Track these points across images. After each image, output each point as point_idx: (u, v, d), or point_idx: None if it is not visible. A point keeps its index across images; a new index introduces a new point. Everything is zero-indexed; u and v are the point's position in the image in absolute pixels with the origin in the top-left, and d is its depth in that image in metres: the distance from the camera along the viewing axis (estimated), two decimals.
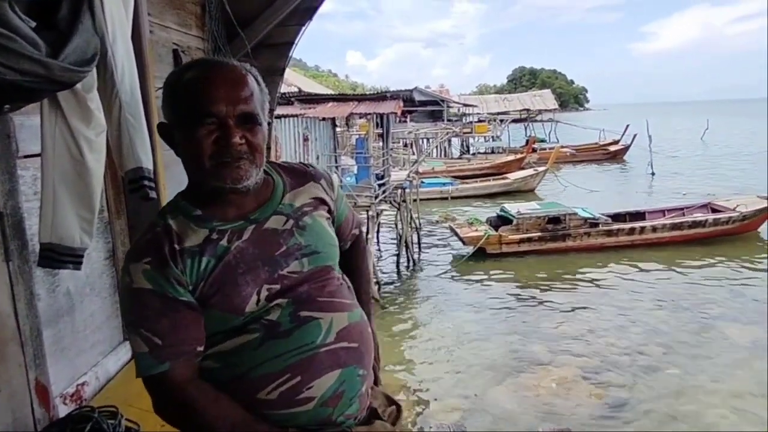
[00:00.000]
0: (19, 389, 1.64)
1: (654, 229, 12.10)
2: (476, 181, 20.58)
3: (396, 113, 11.65)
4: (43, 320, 1.79)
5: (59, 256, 1.62)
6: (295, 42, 3.06)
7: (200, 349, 1.12)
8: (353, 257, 1.45)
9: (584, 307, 9.05)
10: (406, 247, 11.75)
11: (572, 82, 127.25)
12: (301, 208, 1.24)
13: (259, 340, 1.12)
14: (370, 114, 11.98)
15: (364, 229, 1.55)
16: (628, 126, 28.85)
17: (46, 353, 1.77)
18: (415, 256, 12.13)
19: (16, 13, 1.24)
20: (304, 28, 3.04)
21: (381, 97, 12.56)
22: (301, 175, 1.31)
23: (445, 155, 29.06)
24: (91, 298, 2.17)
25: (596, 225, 11.97)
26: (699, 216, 12.42)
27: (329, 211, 1.32)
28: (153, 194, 1.74)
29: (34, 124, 1.76)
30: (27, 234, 1.72)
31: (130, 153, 1.66)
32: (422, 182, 16.80)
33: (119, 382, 2.21)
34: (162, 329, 1.08)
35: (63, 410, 1.90)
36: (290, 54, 3.12)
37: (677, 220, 12.27)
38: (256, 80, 1.18)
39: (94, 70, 1.52)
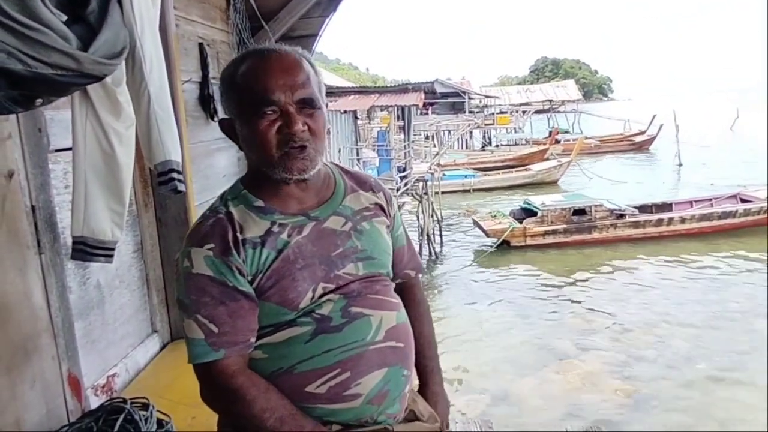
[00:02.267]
0: (52, 381, 1.66)
1: (682, 220, 11.86)
2: (498, 173, 20.39)
3: (418, 105, 11.60)
4: (75, 312, 1.82)
5: (91, 249, 1.64)
6: (320, 34, 3.05)
7: (253, 340, 1.12)
8: (408, 309, 1.33)
9: (610, 301, 8.92)
10: (428, 239, 11.71)
11: (596, 72, 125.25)
12: (360, 212, 1.24)
13: (310, 333, 1.12)
14: (391, 106, 11.94)
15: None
16: (654, 116, 28.31)
17: (78, 345, 1.80)
18: (437, 248, 12.08)
19: (47, 6, 1.24)
20: (328, 19, 3.03)
21: (402, 89, 12.51)
22: (362, 181, 1.31)
23: (466, 147, 28.88)
24: (121, 291, 2.19)
25: (623, 216, 11.77)
26: (728, 206, 12.13)
27: (388, 221, 1.30)
28: (182, 187, 1.74)
29: (65, 118, 1.78)
30: (58, 227, 1.74)
31: (159, 146, 1.66)
32: (444, 174, 16.71)
33: (148, 374, 2.23)
34: (220, 317, 1.07)
35: (94, 401, 1.92)
36: (314, 46, 3.11)
37: (706, 211, 12.00)
38: (310, 63, 1.16)
39: (123, 63, 1.52)
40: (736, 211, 11.88)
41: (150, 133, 1.65)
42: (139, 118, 1.64)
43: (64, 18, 1.31)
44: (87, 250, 1.65)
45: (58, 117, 1.78)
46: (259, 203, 1.15)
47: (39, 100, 1.31)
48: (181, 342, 2.41)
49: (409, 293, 1.37)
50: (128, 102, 1.63)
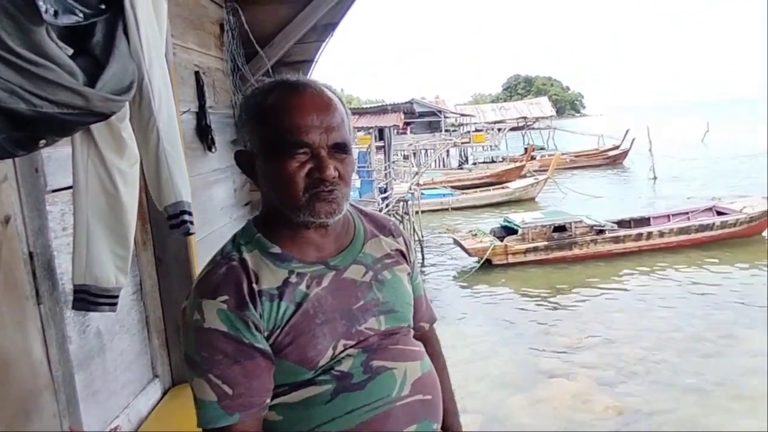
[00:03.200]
0: None
1: (661, 233, 12.04)
2: (476, 191, 20.53)
3: (398, 125, 11.62)
4: (75, 364, 1.68)
5: (94, 298, 1.52)
6: (316, 59, 2.99)
7: (269, 401, 1.03)
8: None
9: (595, 316, 8.94)
10: None
11: (568, 88, 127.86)
12: (381, 259, 1.16)
13: (331, 393, 1.03)
14: (371, 127, 11.93)
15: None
16: (627, 131, 28.88)
17: (79, 399, 1.67)
18: (419, 266, 12.01)
19: (52, 39, 1.15)
20: (324, 44, 2.97)
21: (382, 110, 12.56)
22: (382, 225, 1.23)
23: (444, 166, 29.08)
24: (121, 336, 2.06)
25: (602, 232, 11.89)
26: (705, 219, 12.36)
27: (409, 267, 1.23)
28: (194, 229, 1.63)
29: (62, 156, 1.66)
30: (57, 273, 1.61)
31: (169, 186, 1.55)
32: (422, 194, 16.75)
33: (151, 423, 2.09)
34: (234, 377, 0.98)
35: None
36: (311, 71, 3.04)
37: (684, 224, 12.20)
38: (342, 103, 1.09)
39: None
40: (713, 223, 12.10)
41: (159, 172, 1.54)
42: (147, 157, 1.54)
43: (70, 51, 1.22)
44: (89, 299, 1.52)
45: (56, 155, 1.67)
46: (276, 249, 1.06)
47: (43, 142, 1.21)
48: (183, 387, 2.28)
49: (425, 347, 1.27)
50: (132, 139, 1.53)
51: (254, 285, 1.01)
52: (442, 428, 1.23)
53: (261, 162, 1.06)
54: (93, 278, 1.50)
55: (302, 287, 1.04)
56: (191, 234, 1.64)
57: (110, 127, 1.47)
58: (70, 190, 1.61)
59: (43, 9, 1.08)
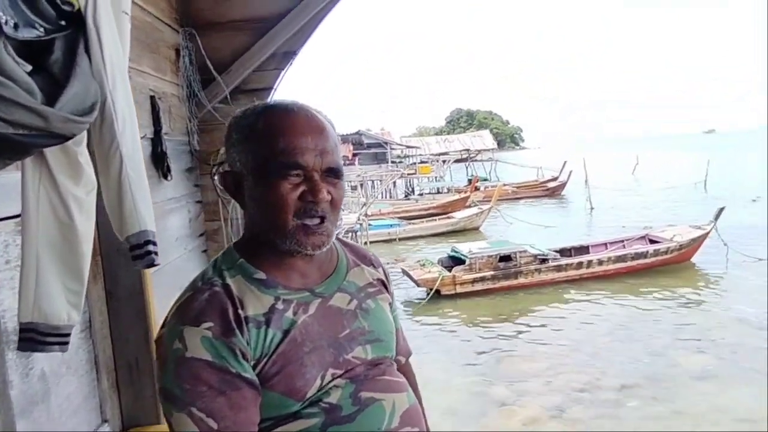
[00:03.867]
0: None
1: (600, 262, 12.48)
2: (423, 222, 20.74)
3: (347, 156, 11.62)
4: (17, 411, 1.52)
5: (42, 338, 1.37)
6: (275, 87, 2.93)
7: None
8: None
9: (541, 344, 9.09)
10: None
11: (507, 122, 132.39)
12: (364, 288, 1.13)
13: (320, 426, 0.97)
14: None
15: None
16: (565, 163, 30.02)
17: None
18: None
19: (9, 54, 1.05)
20: (283, 72, 2.92)
21: None
22: (362, 255, 1.21)
23: (390, 197, 29.32)
24: (68, 378, 1.88)
25: (546, 261, 12.21)
26: (640, 247, 12.92)
27: (390, 297, 1.21)
28: (158, 260, 1.52)
29: (7, 182, 1.53)
30: None
31: (133, 215, 1.44)
32: (370, 224, 16.75)
33: None
34: (219, 410, 0.90)
35: None
36: (270, 99, 2.98)
37: (620, 253, 12.72)
38: (333, 129, 1.06)
39: None
40: (647, 251, 12.66)
41: (122, 200, 1.43)
42: (107, 184, 1.43)
43: (29, 68, 1.12)
44: (38, 338, 1.38)
45: (0, 180, 1.53)
46: (260, 275, 1.01)
47: None
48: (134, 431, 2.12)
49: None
50: (89, 164, 1.42)
51: (240, 311, 0.95)
52: None
53: (250, 183, 1.02)
54: (42, 315, 1.36)
55: (289, 314, 0.99)
56: (155, 265, 1.53)
57: (66, 151, 1.36)
58: (16, 219, 1.48)
59: (3, 21, 0.99)
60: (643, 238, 13.68)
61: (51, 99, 1.15)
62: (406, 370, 1.28)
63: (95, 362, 2.06)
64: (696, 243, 12.74)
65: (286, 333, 0.97)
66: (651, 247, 12.78)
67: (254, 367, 0.94)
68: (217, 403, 0.90)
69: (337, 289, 1.09)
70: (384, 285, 1.21)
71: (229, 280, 0.99)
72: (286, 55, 2.88)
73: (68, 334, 1.42)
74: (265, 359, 0.95)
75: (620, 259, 12.54)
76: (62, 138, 1.17)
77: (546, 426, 6.54)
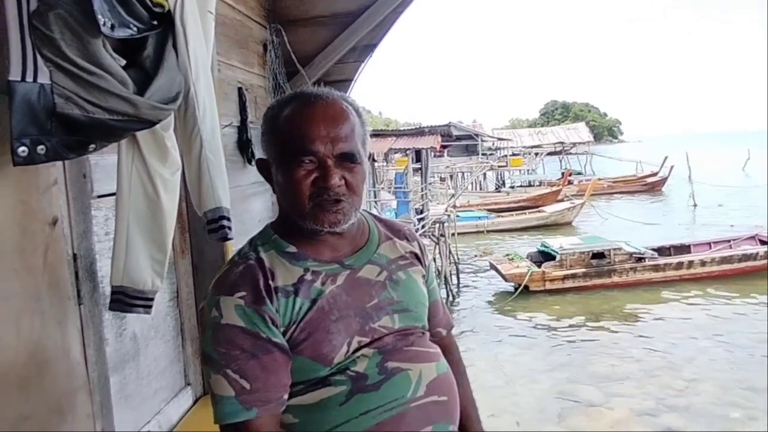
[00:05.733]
0: None
1: (702, 262, 11.66)
2: (512, 215, 20.31)
3: (435, 148, 11.64)
4: (110, 366, 1.72)
5: (130, 300, 1.56)
6: (355, 79, 3.05)
7: (286, 397, 1.03)
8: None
9: (635, 345, 8.69)
10: (446, 281, 11.56)
11: (605, 114, 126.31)
12: (395, 260, 1.18)
13: (346, 394, 1.03)
14: (409, 149, 11.99)
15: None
16: (666, 157, 28.30)
17: (113, 402, 1.70)
18: (455, 291, 11.91)
19: (108, 51, 1.21)
20: (363, 65, 3.03)
21: (419, 132, 12.61)
22: (396, 230, 1.26)
23: (480, 189, 28.95)
24: (156, 342, 2.10)
25: (642, 260, 11.58)
26: (749, 248, 11.93)
27: (424, 270, 1.24)
28: (232, 235, 1.67)
29: (108, 163, 1.73)
30: (98, 276, 1.66)
31: (210, 193, 1.60)
32: (458, 216, 16.67)
33: (181, 430, 2.12)
34: (252, 371, 0.99)
35: None
36: (349, 91, 3.10)
37: (726, 253, 11.80)
38: (357, 113, 1.11)
39: None
40: (757, 253, 11.67)
41: (201, 179, 1.59)
42: (189, 164, 1.59)
43: (123, 63, 1.28)
44: (126, 300, 1.57)
45: (102, 162, 1.74)
46: (291, 249, 1.09)
47: (92, 146, 1.26)
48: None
49: (444, 353, 1.26)
50: (175, 147, 1.58)
51: (270, 282, 1.03)
52: None
53: (275, 169, 1.10)
54: (130, 280, 1.54)
55: (317, 284, 1.06)
56: (229, 239, 1.69)
57: (155, 136, 1.52)
58: (114, 197, 1.67)
59: (101, 22, 1.14)
60: (752, 237, 12.62)
61: (141, 89, 1.31)
62: (448, 342, 1.32)
63: (181, 329, 2.27)
64: None
65: (313, 302, 1.04)
66: (761, 249, 11.77)
67: (284, 334, 1.02)
68: (249, 366, 0.99)
69: (367, 262, 1.14)
70: (417, 258, 1.24)
71: (262, 255, 1.08)
72: (366, 48, 2.98)
73: (152, 299, 1.60)
74: (293, 326, 1.02)
75: (725, 260, 11.64)
76: (150, 123, 1.32)
77: (634, 430, 6.28)
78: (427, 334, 1.20)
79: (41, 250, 1.40)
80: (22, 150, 1.09)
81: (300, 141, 1.04)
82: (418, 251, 1.25)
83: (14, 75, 1.07)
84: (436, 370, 1.13)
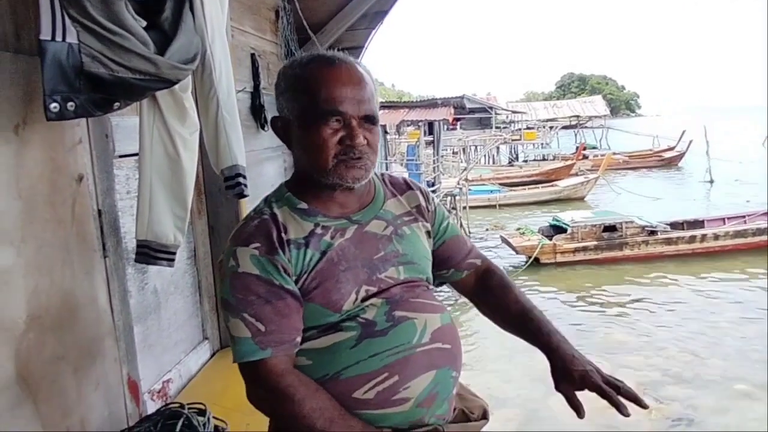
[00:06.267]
0: (113, 384, 1.67)
1: (716, 236, 11.57)
2: (524, 189, 20.18)
3: (447, 120, 11.60)
4: (134, 317, 1.83)
5: (154, 253, 1.66)
6: (365, 46, 3.09)
7: (299, 339, 1.12)
8: (492, 288, 1.36)
9: (643, 318, 8.73)
10: None
11: (623, 87, 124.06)
12: (401, 216, 1.26)
13: (356, 338, 1.12)
14: (420, 121, 11.96)
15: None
16: (684, 132, 27.86)
17: (137, 349, 1.81)
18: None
19: (130, 12, 1.28)
20: (374, 32, 3.06)
21: (432, 104, 12.55)
22: (398, 184, 1.32)
23: (493, 162, 28.76)
24: (175, 297, 2.21)
25: (654, 233, 11.52)
26: (763, 223, 11.82)
27: (428, 224, 1.31)
28: (247, 192, 1.75)
29: (129, 125, 1.81)
30: (121, 231, 1.76)
31: (227, 151, 1.68)
32: (470, 189, 16.64)
33: (200, 380, 2.24)
34: (266, 315, 1.07)
35: (150, 406, 1.93)
36: (360, 58, 3.13)
37: (740, 228, 11.70)
38: (371, 77, 1.18)
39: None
40: None
41: (218, 138, 1.67)
42: (207, 124, 1.67)
43: (144, 24, 1.34)
44: (150, 253, 1.67)
45: (123, 123, 1.82)
46: (303, 206, 1.16)
47: (117, 104, 1.35)
48: (230, 350, 2.42)
49: (487, 275, 1.37)
50: (193, 108, 1.66)
51: (283, 235, 1.11)
52: (549, 350, 1.29)
53: (296, 128, 1.15)
54: (154, 235, 1.64)
55: (327, 238, 1.14)
56: (245, 196, 1.77)
57: (174, 97, 1.60)
58: (135, 157, 1.76)
59: None
60: (767, 213, 12.53)
61: (161, 50, 1.38)
62: (487, 266, 1.40)
63: (198, 286, 2.37)
64: None
65: (323, 254, 1.12)
66: None
67: (296, 282, 1.10)
68: (264, 310, 1.07)
69: (374, 217, 1.21)
70: (421, 211, 1.29)
71: (276, 210, 1.15)
72: (377, 15, 3.01)
73: (174, 253, 1.70)
74: (305, 275, 1.10)
75: (739, 234, 11.52)
76: (170, 83, 1.39)
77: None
78: (432, 287, 1.28)
79: (69, 203, 1.49)
80: (54, 106, 1.18)
81: (329, 101, 1.09)
82: (421, 201, 1.31)
83: (45, 34, 1.15)
84: (440, 320, 1.20)
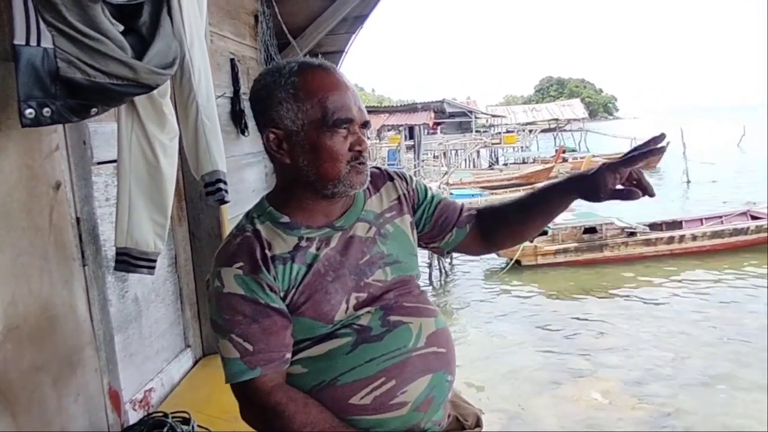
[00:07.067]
0: (94, 394, 1.64)
1: (693, 237, 11.78)
2: (505, 192, 20.34)
3: (428, 124, 11.65)
4: (115, 326, 1.81)
5: (135, 261, 1.64)
6: (345, 50, 3.09)
7: (288, 356, 1.12)
8: (492, 215, 1.38)
9: (624, 318, 8.83)
10: (438, 258, 11.66)
11: (601, 90, 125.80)
12: (382, 214, 1.25)
13: (351, 344, 1.12)
14: (401, 125, 11.98)
15: None
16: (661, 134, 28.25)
17: (118, 359, 1.78)
18: (447, 267, 12.02)
19: (106, 16, 1.26)
20: (354, 36, 3.06)
21: (412, 108, 12.61)
22: (376, 177, 1.31)
23: (474, 166, 28.91)
24: (156, 305, 2.18)
25: (634, 234, 11.70)
26: (739, 223, 12.05)
27: (411, 209, 1.31)
28: (228, 197, 1.74)
29: (107, 131, 1.79)
30: (100, 239, 1.73)
31: (206, 156, 1.67)
32: (451, 193, 16.70)
33: (183, 389, 2.21)
34: (253, 335, 1.07)
35: (132, 416, 1.91)
36: (340, 62, 3.14)
37: (717, 228, 11.92)
38: None
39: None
40: (748, 228, 11.78)
41: (198, 143, 1.66)
42: (186, 129, 1.65)
43: (121, 28, 1.33)
44: (130, 261, 1.64)
45: (101, 130, 1.80)
46: (285, 219, 1.15)
47: (94, 110, 1.32)
48: (213, 357, 2.40)
49: (482, 215, 1.37)
50: (172, 114, 1.64)
51: (267, 251, 1.10)
52: (568, 189, 1.33)
53: (302, 137, 1.11)
54: (134, 242, 1.62)
55: (312, 250, 1.13)
56: (226, 202, 1.75)
57: (153, 102, 1.58)
58: (114, 164, 1.73)
59: None
60: (744, 214, 12.69)
61: (139, 55, 1.36)
62: (480, 209, 1.41)
63: (180, 294, 2.35)
64: None
65: (309, 266, 1.11)
66: (753, 223, 11.86)
67: (284, 299, 1.10)
68: (251, 329, 1.07)
69: (357, 220, 1.21)
70: (400, 202, 1.29)
71: (258, 226, 1.14)
72: (357, 19, 3.01)
73: (155, 260, 1.67)
74: (293, 290, 1.10)
75: (716, 234, 11.74)
76: (148, 87, 1.38)
77: (620, 399, 6.42)
78: (425, 291, 1.29)
79: (47, 211, 1.47)
80: (29, 112, 1.15)
81: (340, 109, 1.09)
82: (401, 189, 1.31)
83: (19, 39, 1.13)
84: (435, 324, 1.21)
